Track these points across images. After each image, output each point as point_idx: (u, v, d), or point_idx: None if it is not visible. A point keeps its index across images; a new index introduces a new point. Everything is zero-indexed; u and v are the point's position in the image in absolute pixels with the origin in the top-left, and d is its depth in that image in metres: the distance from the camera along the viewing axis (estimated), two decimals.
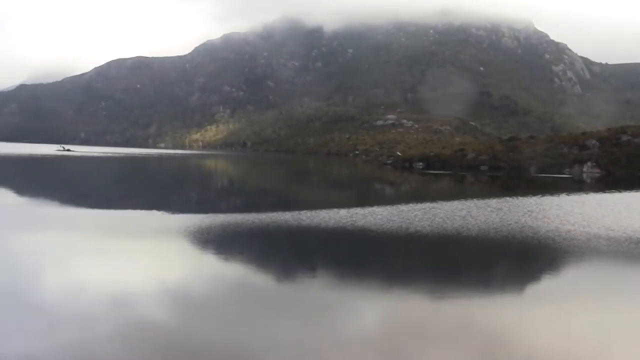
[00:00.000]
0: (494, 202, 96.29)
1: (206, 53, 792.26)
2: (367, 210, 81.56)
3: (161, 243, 57.55)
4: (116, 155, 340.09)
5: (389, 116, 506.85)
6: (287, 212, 77.22)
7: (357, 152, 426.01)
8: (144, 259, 51.91)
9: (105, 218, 74.40)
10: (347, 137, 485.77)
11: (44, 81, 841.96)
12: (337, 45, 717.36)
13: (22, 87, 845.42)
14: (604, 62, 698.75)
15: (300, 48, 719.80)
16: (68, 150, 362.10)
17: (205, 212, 78.59)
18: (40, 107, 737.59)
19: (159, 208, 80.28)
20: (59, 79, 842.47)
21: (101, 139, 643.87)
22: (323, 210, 79.03)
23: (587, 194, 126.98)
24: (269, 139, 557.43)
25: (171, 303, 37.85)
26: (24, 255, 51.74)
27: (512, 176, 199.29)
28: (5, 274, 43.65)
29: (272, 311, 36.57)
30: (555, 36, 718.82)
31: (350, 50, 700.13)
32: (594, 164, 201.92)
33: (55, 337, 30.93)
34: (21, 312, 34.57)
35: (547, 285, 45.73)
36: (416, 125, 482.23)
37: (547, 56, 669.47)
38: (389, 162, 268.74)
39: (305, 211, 77.81)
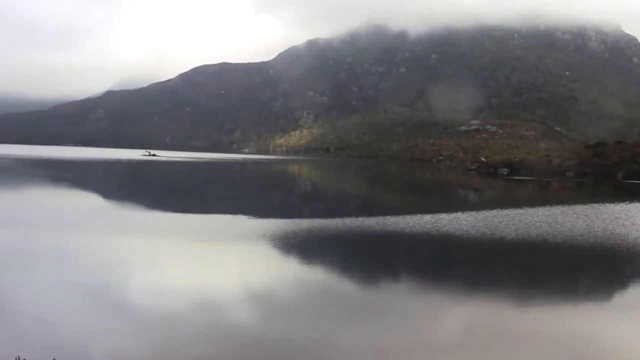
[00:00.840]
0: (580, 209, 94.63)
1: (290, 58, 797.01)
2: (452, 216, 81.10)
3: (246, 247, 58.23)
4: (201, 160, 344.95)
5: (473, 121, 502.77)
6: (371, 218, 77.27)
7: (440, 157, 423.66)
8: (229, 262, 52.63)
9: (191, 222, 75.61)
10: (430, 142, 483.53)
11: (130, 87, 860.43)
12: (421, 50, 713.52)
13: (109, 94, 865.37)
14: None
15: (384, 53, 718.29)
16: (153, 155, 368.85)
17: (290, 216, 79.19)
18: (126, 113, 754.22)
19: (244, 212, 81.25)
20: (145, 85, 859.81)
21: (186, 144, 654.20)
22: (407, 215, 78.89)
23: None
24: (352, 144, 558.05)
25: (256, 307, 38.30)
26: (112, 258, 53.03)
27: (599, 182, 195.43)
28: (93, 276, 44.81)
29: (356, 316, 36.67)
30: None
31: (434, 55, 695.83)
32: None
33: (143, 338, 31.64)
34: (110, 313, 35.47)
35: (636, 294, 44.83)
36: (500, 131, 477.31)
37: (635, 60, 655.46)
38: (473, 167, 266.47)
39: (389, 217, 77.75)
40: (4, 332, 30.72)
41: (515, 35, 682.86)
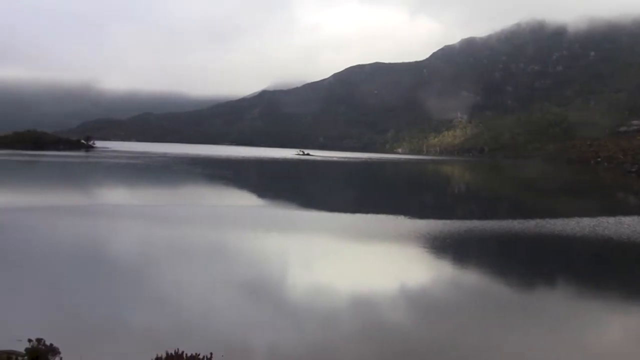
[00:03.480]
0: None
1: (444, 58, 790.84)
2: (612, 220, 78.95)
3: (401, 247, 59.12)
4: (355, 160, 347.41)
5: (634, 122, 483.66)
6: (527, 220, 76.56)
7: (598, 159, 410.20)
8: (386, 262, 53.63)
9: (347, 221, 77.13)
10: (588, 143, 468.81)
11: (285, 87, 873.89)
12: (579, 47, 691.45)
13: (264, 93, 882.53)
14: None
15: (541, 51, 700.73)
16: (307, 154, 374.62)
17: (446, 217, 79.67)
18: (280, 113, 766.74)
19: (398, 213, 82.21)
20: (299, 84, 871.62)
21: (339, 144, 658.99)
22: (564, 218, 77.77)
23: None
24: (507, 144, 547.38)
25: (412, 308, 39.03)
26: (271, 255, 55.05)
27: None
28: (253, 272, 46.71)
29: (509, 320, 36.84)
30: None
31: (593, 53, 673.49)
32: None
33: (300, 334, 32.89)
34: (268, 309, 36.98)
35: None
36: None
37: None
38: (633, 170, 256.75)
39: (546, 219, 76.78)
40: (167, 325, 32.54)
41: None
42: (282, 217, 79.85)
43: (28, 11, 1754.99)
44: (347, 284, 44.14)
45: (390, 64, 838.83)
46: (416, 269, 50.91)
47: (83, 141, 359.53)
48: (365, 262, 52.95)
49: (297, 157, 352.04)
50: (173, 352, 21.98)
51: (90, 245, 55.36)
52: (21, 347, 23.19)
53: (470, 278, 48.04)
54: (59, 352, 22.87)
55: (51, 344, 22.47)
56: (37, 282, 39.77)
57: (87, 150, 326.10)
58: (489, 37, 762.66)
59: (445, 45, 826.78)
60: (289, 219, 78.21)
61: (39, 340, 22.21)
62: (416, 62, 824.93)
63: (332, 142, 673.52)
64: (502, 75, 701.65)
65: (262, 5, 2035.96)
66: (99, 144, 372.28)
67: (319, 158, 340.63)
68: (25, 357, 22.45)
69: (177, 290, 39.94)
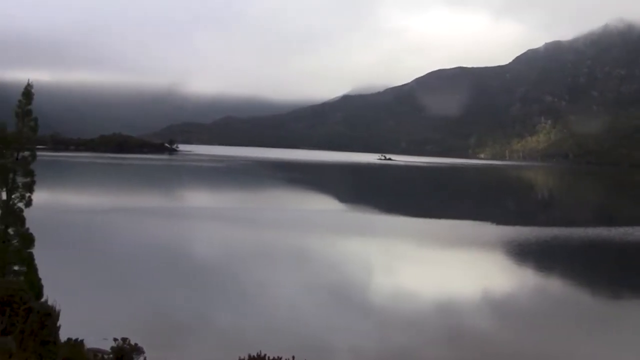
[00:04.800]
0: None
1: (527, 62, 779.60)
2: None
3: (486, 252, 58.75)
4: (437, 164, 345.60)
5: None
6: (615, 228, 74.94)
7: None
8: (467, 267, 53.22)
9: (429, 226, 76.77)
10: None
11: (367, 92, 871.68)
12: None
13: (346, 98, 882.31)
14: None
15: (628, 54, 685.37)
16: (389, 159, 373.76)
17: (532, 224, 78.65)
18: (362, 117, 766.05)
19: (484, 218, 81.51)
20: (381, 89, 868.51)
21: (421, 149, 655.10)
22: None
23: None
24: (592, 150, 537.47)
25: (492, 312, 38.61)
26: (352, 259, 54.98)
27: None
28: (335, 276, 46.68)
29: (592, 329, 36.09)
30: None
31: None
32: None
33: (382, 338, 32.78)
34: (351, 312, 36.88)
35: None
36: None
37: None
38: None
39: (632, 227, 75.01)
40: (250, 327, 32.67)
41: None
42: (365, 221, 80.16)
43: (114, 16, 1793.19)
44: (430, 289, 44.04)
45: (472, 68, 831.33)
46: (501, 275, 50.57)
47: (167, 144, 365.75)
48: (450, 268, 52.83)
49: (379, 161, 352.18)
50: (255, 355, 21.83)
51: (176, 247, 56.47)
52: (107, 345, 23.45)
53: (555, 285, 47.32)
54: (143, 352, 23.06)
55: (136, 344, 22.69)
56: (124, 282, 40.49)
57: (170, 154, 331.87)
58: (575, 40, 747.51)
59: (529, 49, 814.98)
60: (371, 223, 78.47)
61: (124, 339, 22.45)
62: (499, 67, 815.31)
63: (414, 146, 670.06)
64: (587, 80, 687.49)
65: (347, 10, 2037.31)
66: (182, 147, 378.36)
67: (401, 163, 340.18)
68: (111, 356, 22.69)
69: (260, 292, 40.27)
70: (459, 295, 42.82)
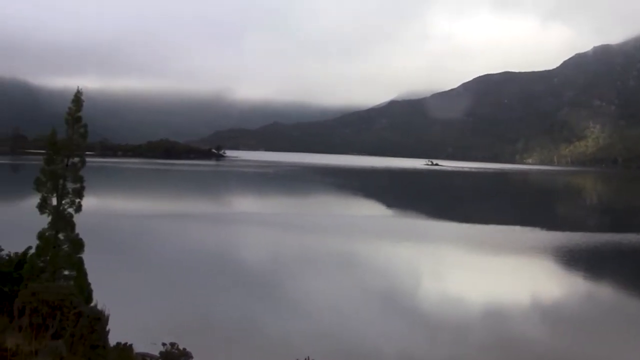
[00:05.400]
0: None
1: (575, 66, 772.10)
2: None
3: (534, 259, 58.24)
4: (484, 170, 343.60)
5: None
6: None
7: None
8: (516, 273, 52.81)
9: (477, 232, 76.29)
10: None
11: (413, 97, 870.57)
12: None
13: (392, 103, 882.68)
14: None
15: None
16: (436, 164, 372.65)
17: (578, 230, 77.60)
18: (409, 123, 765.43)
19: (531, 224, 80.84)
20: (428, 94, 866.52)
21: (467, 154, 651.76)
22: None
23: None
24: None
25: (542, 319, 38.14)
26: (399, 265, 54.93)
27: None
28: (383, 281, 46.58)
29: None
30: None
31: None
32: None
33: (432, 343, 32.62)
34: (400, 318, 36.73)
35: None
36: None
37: None
38: None
39: None
40: (299, 333, 32.65)
41: None
42: (412, 226, 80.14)
43: (162, 24, 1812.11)
44: (478, 295, 43.67)
45: (519, 73, 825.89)
46: (550, 281, 50.20)
47: (214, 150, 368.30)
48: (498, 273, 52.55)
49: (426, 167, 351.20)
50: None
51: (224, 252, 56.83)
52: (156, 350, 23.54)
53: (606, 292, 46.77)
54: (192, 357, 23.11)
55: (184, 349, 22.71)
56: (173, 287, 40.71)
57: (217, 159, 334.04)
58: (624, 44, 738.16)
59: (577, 53, 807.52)
60: (418, 228, 78.40)
61: (172, 344, 22.50)
62: (546, 71, 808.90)
63: (461, 152, 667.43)
64: (637, 83, 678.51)
65: (394, 16, 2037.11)
66: (229, 153, 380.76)
67: (448, 168, 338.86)
68: None
69: (307, 298, 40.28)
70: (507, 301, 42.47)
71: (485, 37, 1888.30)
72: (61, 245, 21.96)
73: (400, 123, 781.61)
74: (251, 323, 34.00)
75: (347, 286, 44.69)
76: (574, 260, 58.12)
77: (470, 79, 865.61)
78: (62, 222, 21.95)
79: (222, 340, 30.78)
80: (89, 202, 23.35)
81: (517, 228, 79.74)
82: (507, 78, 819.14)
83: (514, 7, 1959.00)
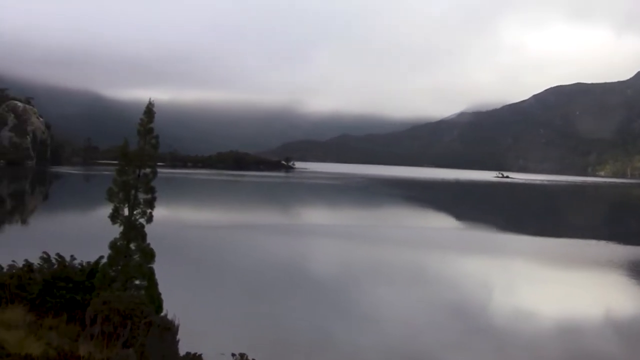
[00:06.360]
0: None
1: None
2: None
3: (605, 273, 57.10)
4: (556, 182, 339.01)
5: None
6: None
7: None
8: (588, 288, 51.88)
9: (548, 245, 75.31)
10: None
11: (484, 109, 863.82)
12: None
13: (462, 115, 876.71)
14: None
15: None
16: (506, 176, 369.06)
17: None
18: (479, 135, 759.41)
19: (606, 238, 79.54)
20: (498, 106, 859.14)
21: (538, 166, 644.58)
22: None
23: None
24: None
25: (618, 337, 37.26)
26: (470, 278, 54.30)
27: None
28: (453, 295, 46.05)
29: None
30: None
31: None
32: None
33: (503, 358, 31.96)
34: (472, 333, 36.25)
35: None
36: None
37: None
38: None
39: None
40: (368, 346, 32.44)
41: None
42: (483, 239, 79.47)
43: (232, 36, 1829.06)
44: (552, 310, 42.75)
45: (592, 84, 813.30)
46: (627, 297, 48.84)
47: (283, 162, 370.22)
48: (572, 288, 51.59)
49: (496, 179, 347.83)
50: None
51: (295, 264, 56.91)
52: None
53: None
54: None
55: (253, 359, 22.78)
56: (242, 298, 40.89)
57: (287, 171, 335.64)
58: None
59: None
60: (490, 241, 77.77)
61: (242, 355, 22.56)
62: (620, 82, 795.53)
63: (532, 164, 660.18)
64: None
65: (465, 28, 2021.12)
66: (298, 164, 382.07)
67: (519, 180, 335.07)
68: None
69: (378, 311, 40.01)
70: (581, 317, 41.59)
71: (557, 48, 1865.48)
72: (132, 255, 22.27)
73: (470, 135, 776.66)
74: (321, 335, 33.98)
75: (419, 300, 44.29)
76: None
77: (542, 90, 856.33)
78: (133, 232, 22.25)
79: (291, 352, 30.78)
80: (159, 212, 23.61)
81: (593, 242, 78.34)
82: (579, 89, 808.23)
83: (588, 18, 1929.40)
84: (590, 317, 41.62)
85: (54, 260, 22.49)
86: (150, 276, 22.21)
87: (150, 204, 22.51)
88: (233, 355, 22.80)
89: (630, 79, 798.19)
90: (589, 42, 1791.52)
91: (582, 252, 70.05)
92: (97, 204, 73.89)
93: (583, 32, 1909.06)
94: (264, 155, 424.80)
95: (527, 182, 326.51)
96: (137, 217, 22.38)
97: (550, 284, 53.46)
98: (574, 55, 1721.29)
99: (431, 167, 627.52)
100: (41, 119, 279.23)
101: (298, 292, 44.36)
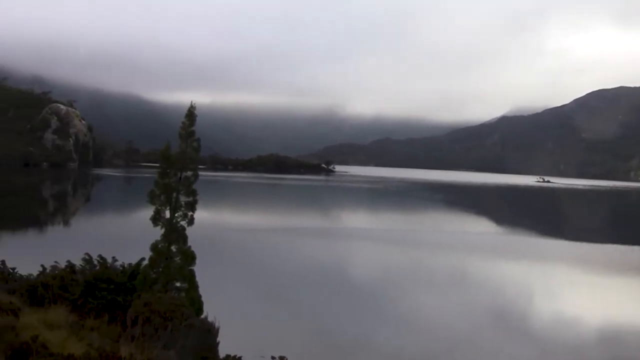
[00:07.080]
0: None
1: None
2: None
3: None
4: (597, 187, 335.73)
5: None
6: None
7: None
8: (630, 294, 51.09)
9: (589, 250, 74.58)
10: None
11: (525, 113, 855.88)
12: None
13: (503, 119, 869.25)
14: None
15: None
16: (547, 181, 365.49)
17: None
18: (520, 139, 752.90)
19: None
20: (539, 110, 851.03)
21: (580, 171, 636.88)
22: None
23: None
24: None
25: None
26: (511, 283, 54.01)
27: None
28: (494, 299, 45.82)
29: None
30: None
31: None
32: None
33: None
34: (513, 337, 36.07)
35: None
36: None
37: None
38: None
39: None
40: (409, 349, 32.38)
41: None
42: (524, 244, 79.20)
43: (274, 40, 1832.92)
44: (594, 316, 42.40)
45: (635, 88, 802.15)
46: None
47: (323, 165, 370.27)
48: (615, 294, 51.04)
49: (537, 184, 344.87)
50: None
51: (336, 267, 57.05)
52: None
53: None
54: None
55: None
56: (282, 300, 41.00)
57: (327, 174, 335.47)
58: None
59: None
60: (531, 246, 77.54)
61: (281, 357, 22.56)
62: None
63: (573, 169, 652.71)
64: None
65: (508, 31, 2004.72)
66: (338, 168, 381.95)
67: (560, 185, 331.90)
68: None
69: (420, 315, 40.03)
70: (623, 323, 41.21)
71: (600, 51, 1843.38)
72: (173, 257, 22.43)
73: (511, 139, 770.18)
74: (362, 338, 33.94)
75: (459, 303, 44.17)
76: None
77: (583, 94, 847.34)
78: (174, 234, 22.41)
79: (331, 354, 30.78)
80: (200, 215, 23.74)
81: (637, 248, 77.60)
82: (622, 93, 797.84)
83: (633, 20, 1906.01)
84: (635, 324, 41.25)
85: (95, 262, 22.67)
86: (190, 278, 22.35)
87: (192, 206, 22.67)
88: (273, 358, 22.81)
89: None
90: (633, 45, 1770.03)
91: (626, 258, 69.38)
92: (138, 206, 74.60)
93: (627, 36, 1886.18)
94: (305, 159, 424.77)
95: (568, 187, 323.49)
96: (179, 220, 22.55)
97: (593, 289, 53.15)
98: (617, 58, 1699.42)
99: (471, 171, 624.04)
100: (83, 122, 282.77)
101: (338, 295, 44.49)
